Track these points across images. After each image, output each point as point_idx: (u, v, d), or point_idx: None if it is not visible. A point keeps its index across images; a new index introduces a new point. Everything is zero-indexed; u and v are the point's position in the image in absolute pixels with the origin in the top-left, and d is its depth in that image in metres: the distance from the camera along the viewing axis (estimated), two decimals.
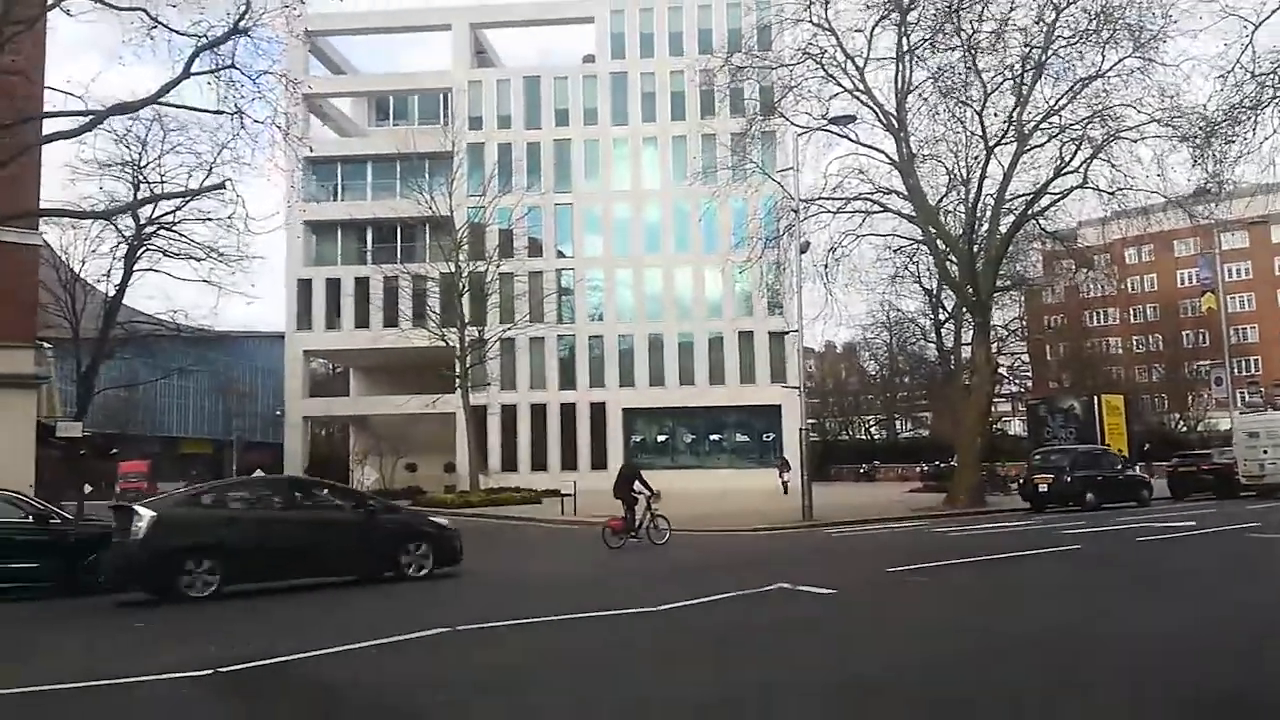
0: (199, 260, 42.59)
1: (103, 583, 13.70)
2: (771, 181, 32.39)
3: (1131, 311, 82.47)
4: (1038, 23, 28.75)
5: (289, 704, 7.50)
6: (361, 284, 53.31)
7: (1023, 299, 58.43)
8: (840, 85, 31.09)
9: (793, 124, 31.50)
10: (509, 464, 51.45)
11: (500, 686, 7.56)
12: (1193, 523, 21.03)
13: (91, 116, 18.04)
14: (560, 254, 54.52)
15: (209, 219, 42.10)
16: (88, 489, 49.90)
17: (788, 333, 33.54)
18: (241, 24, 17.44)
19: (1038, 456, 30.10)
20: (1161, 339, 77.95)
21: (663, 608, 10.80)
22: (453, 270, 40.45)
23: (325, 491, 16.20)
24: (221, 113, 19.17)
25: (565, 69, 55.77)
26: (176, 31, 18.63)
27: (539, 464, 51.25)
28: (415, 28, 58.63)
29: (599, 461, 51.27)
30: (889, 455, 68.03)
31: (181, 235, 42.67)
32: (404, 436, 52.02)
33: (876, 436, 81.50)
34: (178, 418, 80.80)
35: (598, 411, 52.25)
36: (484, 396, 51.28)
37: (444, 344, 40.72)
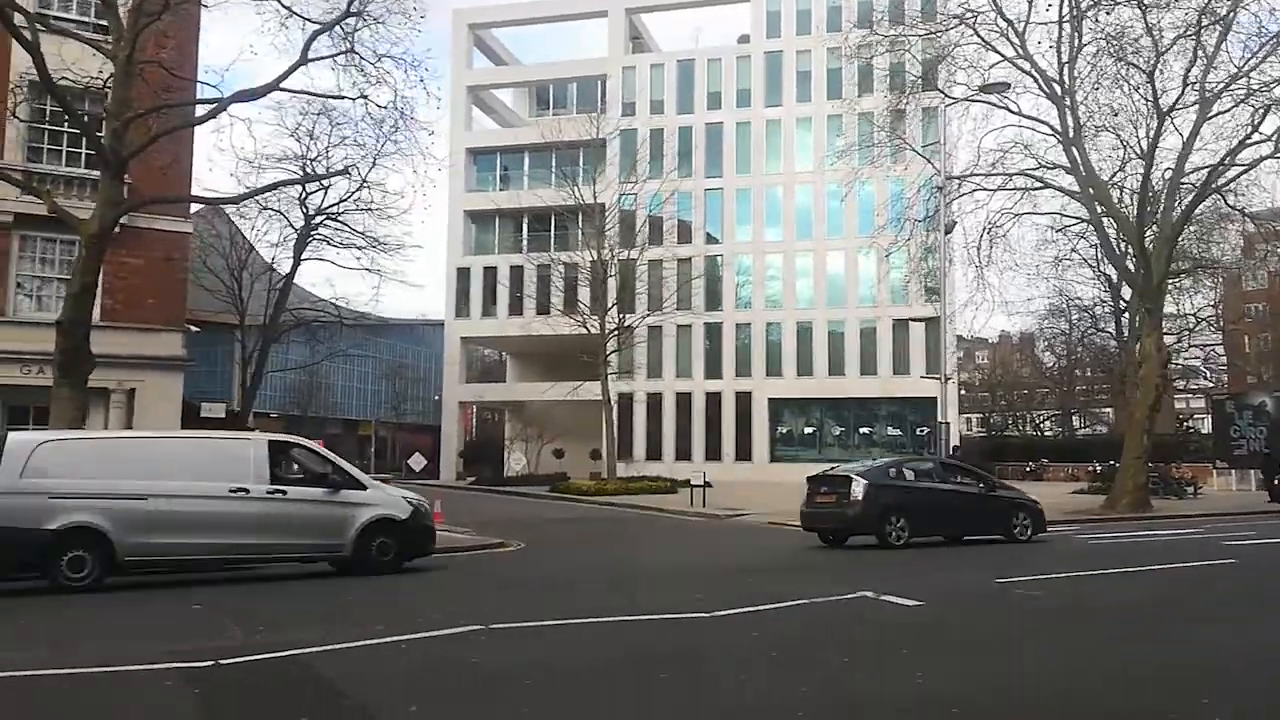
0: (360, 249, 44.60)
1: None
2: (927, 161, 30.51)
3: None
4: None
5: None
6: (516, 272, 54.10)
7: (1219, 285, 53.36)
8: (998, 52, 28.93)
9: (945, 95, 29.55)
10: (653, 452, 51.12)
11: None
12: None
13: (215, 104, 18.52)
14: (710, 239, 53.62)
15: (370, 209, 43.95)
16: None
17: (930, 319, 31.52)
18: (354, 6, 17.48)
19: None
20: None
21: (720, 614, 9.97)
22: (595, 258, 40.33)
23: (960, 473, 20.40)
24: (343, 97, 19.45)
25: (719, 50, 54.70)
26: (306, 19, 19.02)
27: (683, 453, 50.62)
28: (573, 15, 58.99)
29: (743, 453, 50.30)
30: (1061, 453, 63.52)
31: (345, 224, 44.70)
32: (555, 422, 52.50)
33: (1050, 433, 76.49)
34: (355, 401, 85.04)
35: (743, 401, 51.16)
36: (630, 384, 51.16)
37: (589, 331, 40.67)
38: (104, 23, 20.24)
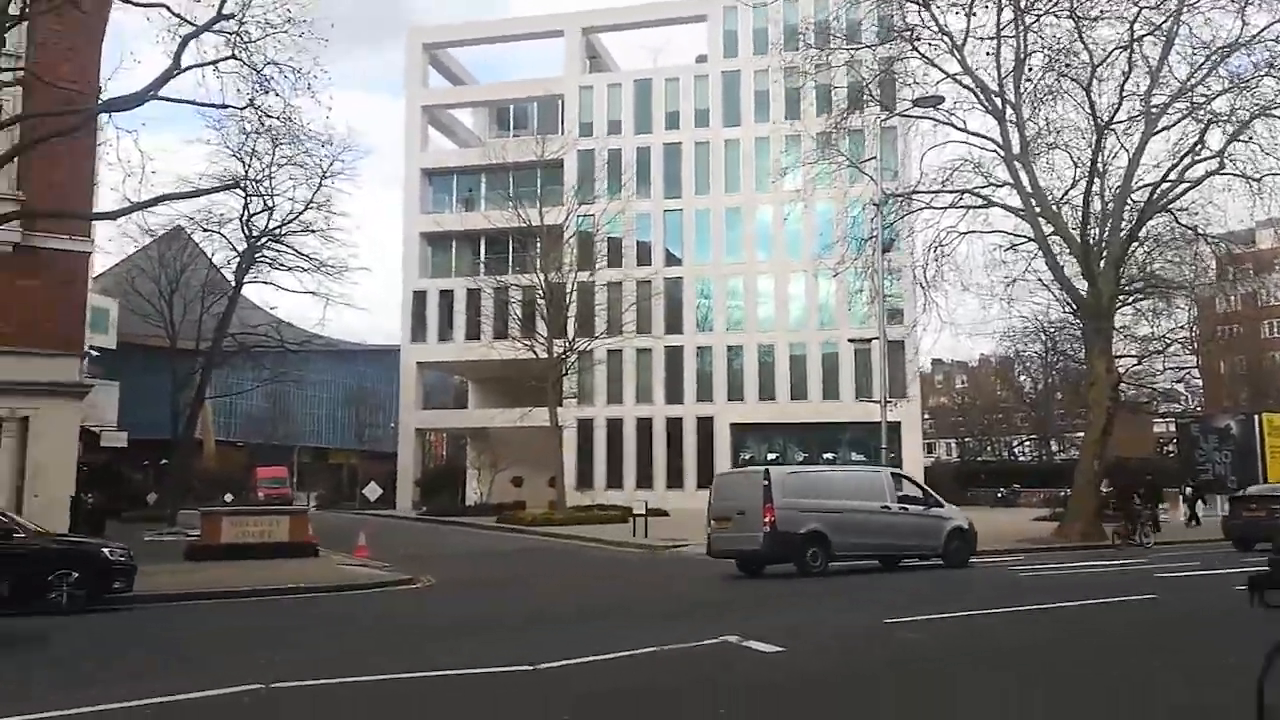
0: (304, 270, 43.43)
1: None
2: (870, 179, 29.63)
3: None
4: None
5: None
6: (473, 295, 53.00)
7: (1191, 306, 52.66)
8: (940, 68, 28.23)
9: (885, 109, 28.83)
10: (614, 480, 49.89)
11: None
12: None
13: (83, 113, 17.46)
14: (669, 260, 52.68)
15: (311, 230, 42.89)
16: (229, 497, 51.65)
17: (871, 340, 30.61)
18: (224, 9, 16.47)
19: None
20: None
21: (547, 666, 8.86)
22: (544, 280, 39.27)
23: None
24: (226, 107, 18.44)
25: (677, 70, 54.04)
26: (186, 20, 17.97)
27: (644, 481, 49.40)
28: (528, 35, 58.36)
29: (706, 479, 48.88)
30: (1035, 478, 62.56)
31: (290, 247, 43.54)
32: (515, 450, 51.25)
33: (1025, 457, 75.59)
34: (319, 428, 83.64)
35: (705, 426, 50.07)
36: (590, 410, 50.03)
37: (537, 356, 39.56)
38: None
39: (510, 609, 14.36)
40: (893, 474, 20.16)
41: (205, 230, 42.47)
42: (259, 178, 39.91)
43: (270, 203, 41.55)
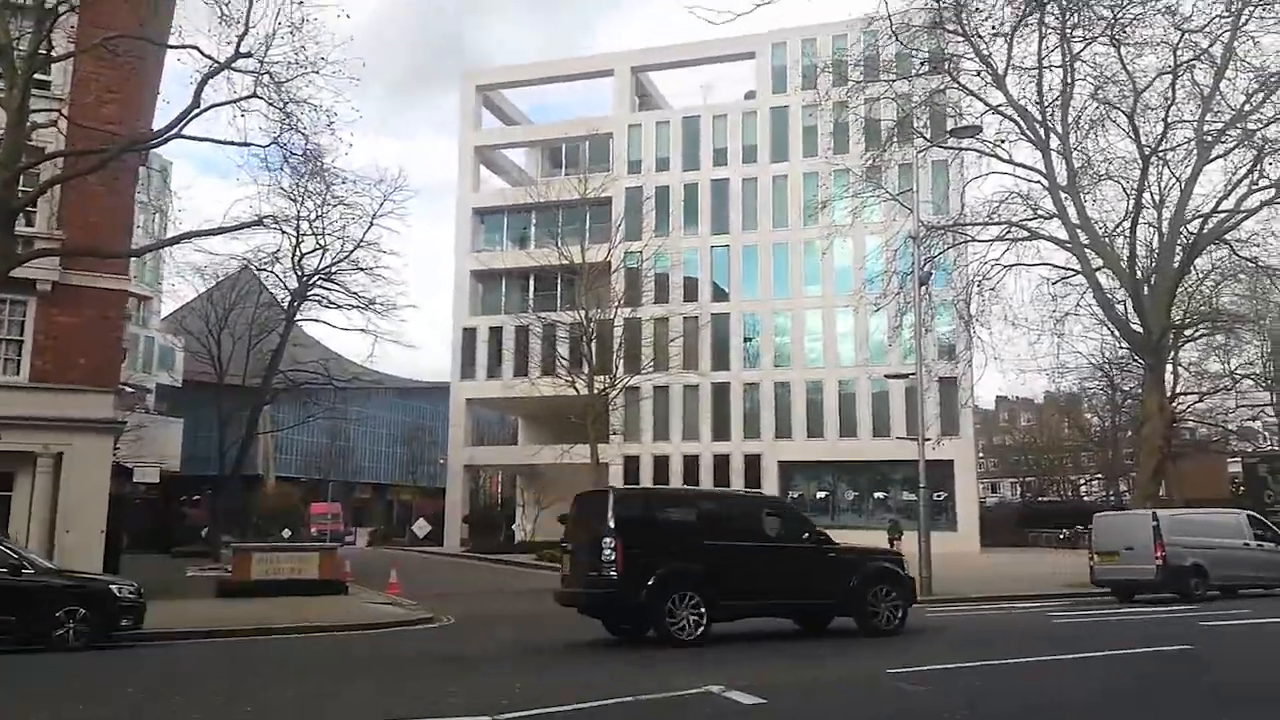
0: (353, 308, 44.05)
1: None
2: (909, 211, 28.98)
3: None
4: (1226, 11, 24.13)
5: None
6: (521, 332, 53.15)
7: (1265, 341, 50.53)
8: (982, 100, 27.66)
9: (926, 140, 28.27)
10: None
11: None
12: None
13: (103, 154, 17.79)
14: (716, 297, 52.30)
15: (361, 269, 43.57)
16: (286, 532, 52.23)
17: (909, 375, 29.76)
18: (242, 48, 16.71)
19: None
20: None
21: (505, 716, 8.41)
22: (583, 318, 39.12)
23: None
24: (248, 144, 18.69)
25: (725, 107, 54.04)
26: (215, 61, 18.33)
27: None
28: (579, 75, 58.94)
29: None
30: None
31: (339, 286, 44.23)
32: (561, 486, 50.92)
33: (1090, 498, 73.08)
34: (374, 464, 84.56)
35: (753, 464, 49.31)
36: (637, 447, 49.66)
37: (577, 393, 39.35)
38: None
39: (505, 650, 13.95)
40: (1248, 516, 22.96)
41: (258, 270, 43.50)
42: (311, 217, 40.76)
43: (322, 242, 42.39)
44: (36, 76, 22.35)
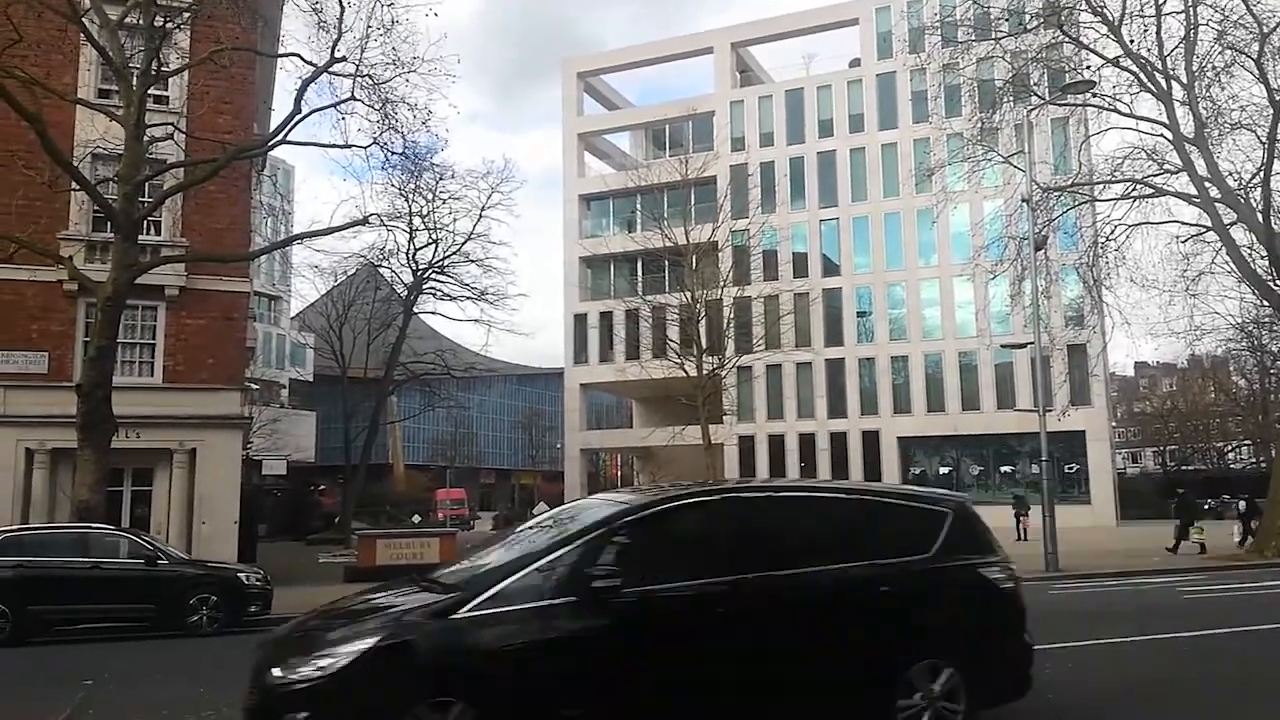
0: (467, 299, 45.14)
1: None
2: (1022, 172, 27.79)
3: None
4: None
5: None
6: (631, 315, 53.35)
7: None
8: (1096, 53, 26.27)
9: (1039, 98, 27.01)
10: None
11: None
12: None
13: (215, 161, 18.57)
14: (827, 271, 51.32)
15: (471, 261, 44.53)
16: (416, 518, 54.15)
17: (1028, 344, 28.54)
18: (337, 52, 17.17)
19: None
20: None
21: None
22: (690, 299, 38.97)
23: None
24: (349, 146, 19.21)
25: (829, 77, 52.78)
26: (317, 67, 18.95)
27: None
28: (679, 55, 58.49)
29: None
30: (1247, 489, 56.72)
31: (453, 278, 45.35)
32: (676, 468, 51.13)
33: (1238, 466, 69.00)
34: (495, 450, 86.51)
35: (870, 440, 48.31)
36: (750, 426, 49.32)
37: (686, 374, 39.30)
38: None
39: None
40: None
41: (375, 265, 44.94)
42: (422, 212, 41.86)
43: (434, 236, 43.49)
44: (153, 91, 23.70)
